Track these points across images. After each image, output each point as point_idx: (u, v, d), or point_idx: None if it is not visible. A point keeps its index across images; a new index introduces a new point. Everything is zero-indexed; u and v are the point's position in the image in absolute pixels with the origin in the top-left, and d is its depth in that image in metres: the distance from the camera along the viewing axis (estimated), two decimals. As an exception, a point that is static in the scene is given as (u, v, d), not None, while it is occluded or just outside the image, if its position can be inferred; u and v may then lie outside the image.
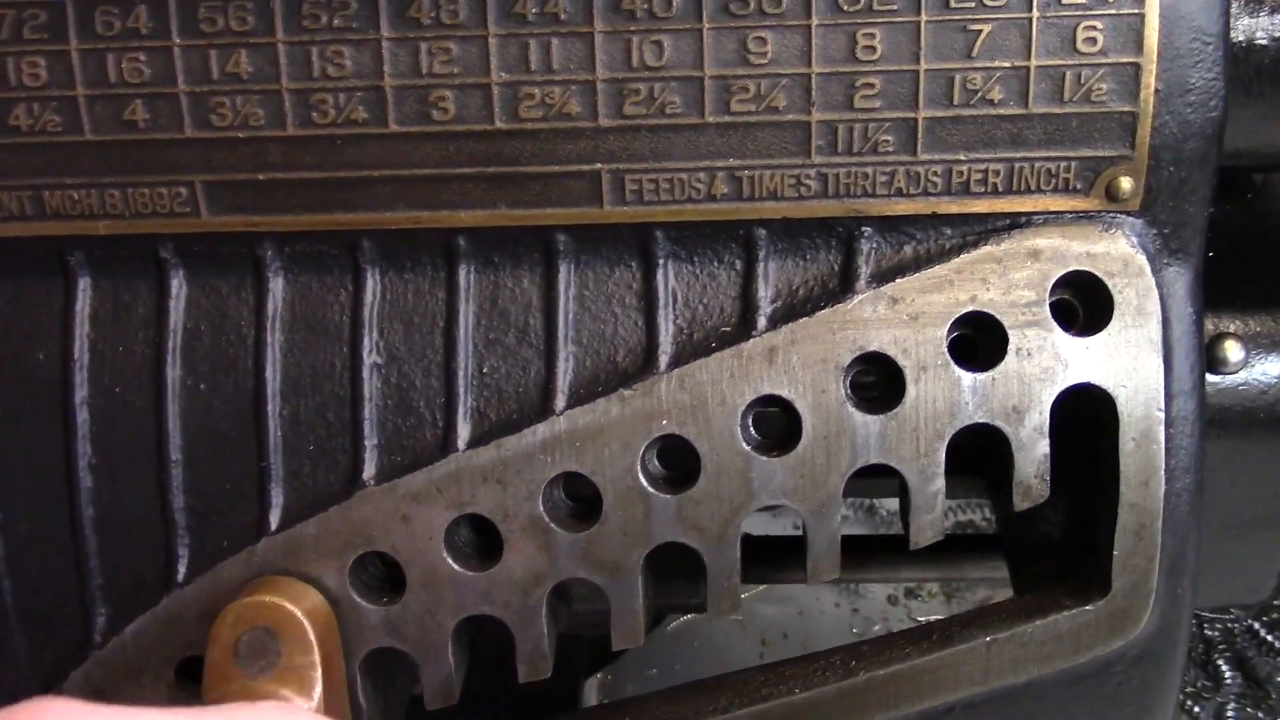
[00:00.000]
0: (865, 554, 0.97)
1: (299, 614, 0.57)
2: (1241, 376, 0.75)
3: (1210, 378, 0.76)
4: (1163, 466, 0.58)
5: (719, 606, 0.60)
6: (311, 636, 0.57)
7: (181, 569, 0.62)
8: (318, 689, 0.57)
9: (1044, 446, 0.58)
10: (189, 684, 0.63)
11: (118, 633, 0.62)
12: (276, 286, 0.61)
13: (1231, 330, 0.76)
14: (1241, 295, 0.78)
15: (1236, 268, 0.82)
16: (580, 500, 0.61)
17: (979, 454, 0.62)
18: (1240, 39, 0.62)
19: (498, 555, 0.60)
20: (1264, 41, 0.62)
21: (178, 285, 0.61)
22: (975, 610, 0.62)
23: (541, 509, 0.59)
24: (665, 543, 0.60)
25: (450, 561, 0.60)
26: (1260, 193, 0.86)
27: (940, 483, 0.58)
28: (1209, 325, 0.77)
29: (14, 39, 0.58)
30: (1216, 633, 1.30)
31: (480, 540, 0.62)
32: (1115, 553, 0.58)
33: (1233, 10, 0.59)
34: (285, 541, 0.61)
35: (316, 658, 0.57)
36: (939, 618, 0.64)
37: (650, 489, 0.59)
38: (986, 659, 0.60)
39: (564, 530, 0.59)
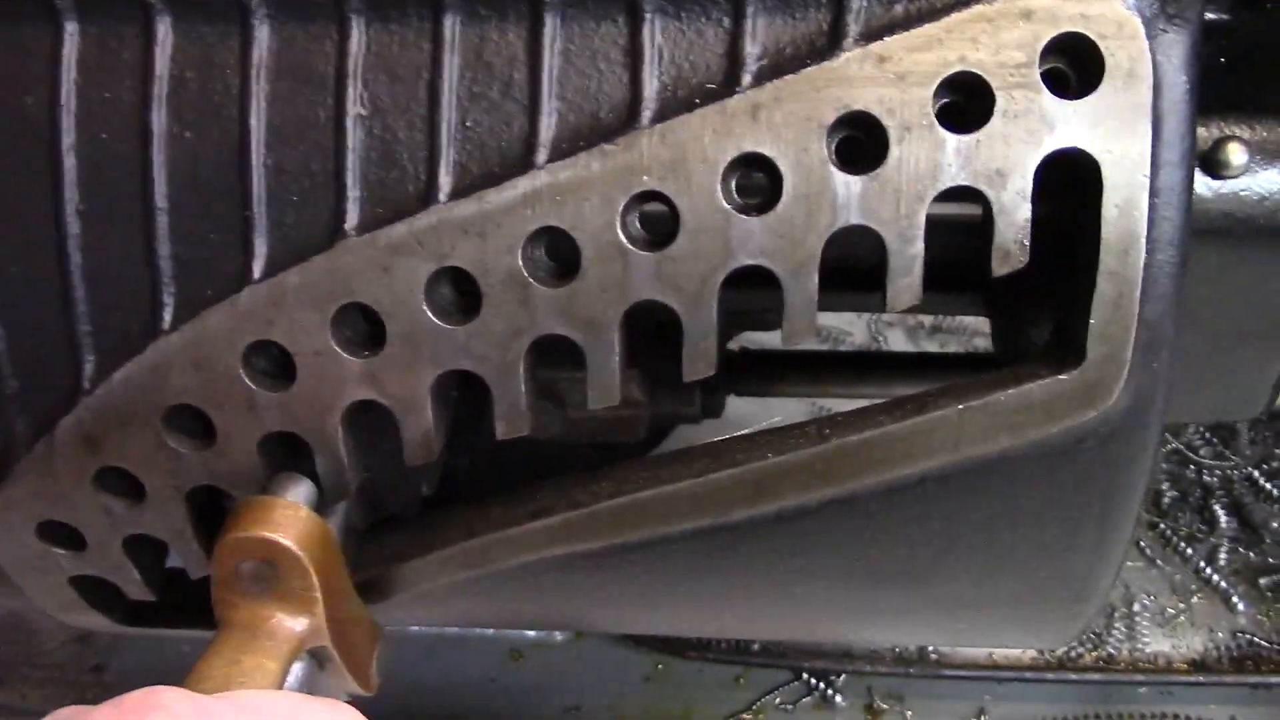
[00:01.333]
0: (861, 369, 0.97)
1: (292, 546, 0.60)
2: (1243, 182, 0.74)
3: (1210, 182, 0.75)
4: (1144, 235, 0.57)
5: (694, 368, 0.61)
6: (306, 562, 0.61)
7: (167, 316, 0.63)
8: (318, 606, 0.61)
9: (1026, 211, 0.57)
10: (183, 439, 0.64)
11: (106, 379, 0.64)
12: (262, 34, 0.61)
13: (1237, 134, 0.75)
14: (1252, 102, 0.77)
15: (1249, 75, 0.80)
16: (561, 261, 0.61)
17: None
18: None
19: (477, 313, 0.61)
20: None
21: (164, 32, 0.61)
22: (951, 383, 0.62)
23: (520, 263, 0.59)
24: (643, 306, 0.61)
25: (430, 314, 0.60)
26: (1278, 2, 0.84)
27: (919, 246, 0.58)
28: (1214, 130, 0.76)
29: None
30: (1215, 479, 1.30)
31: (461, 300, 0.62)
32: (1091, 321, 0.58)
33: None
34: (269, 290, 0.61)
35: (314, 580, 0.61)
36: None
37: (629, 245, 0.59)
38: (959, 426, 0.61)
39: (543, 286, 0.60)
